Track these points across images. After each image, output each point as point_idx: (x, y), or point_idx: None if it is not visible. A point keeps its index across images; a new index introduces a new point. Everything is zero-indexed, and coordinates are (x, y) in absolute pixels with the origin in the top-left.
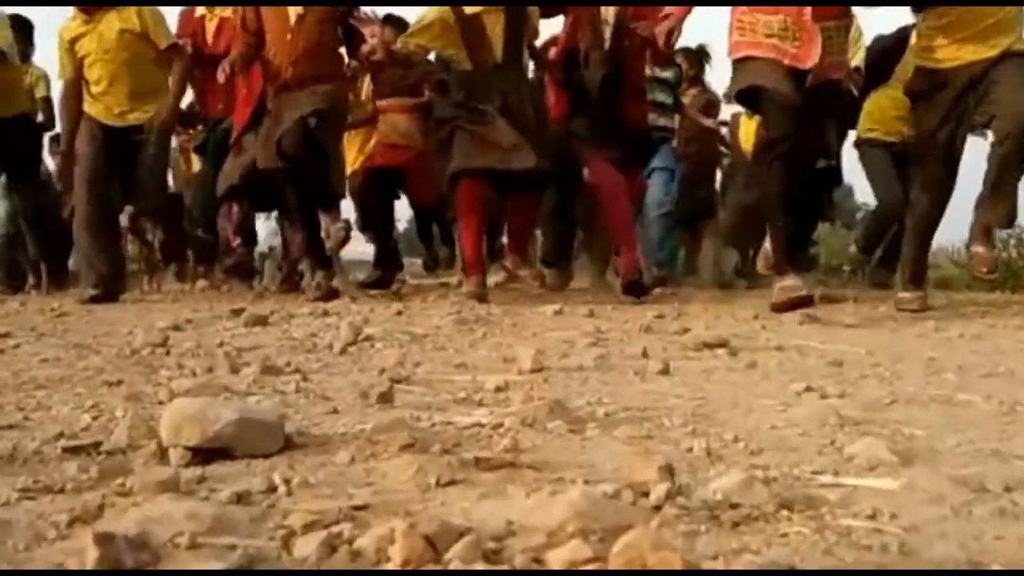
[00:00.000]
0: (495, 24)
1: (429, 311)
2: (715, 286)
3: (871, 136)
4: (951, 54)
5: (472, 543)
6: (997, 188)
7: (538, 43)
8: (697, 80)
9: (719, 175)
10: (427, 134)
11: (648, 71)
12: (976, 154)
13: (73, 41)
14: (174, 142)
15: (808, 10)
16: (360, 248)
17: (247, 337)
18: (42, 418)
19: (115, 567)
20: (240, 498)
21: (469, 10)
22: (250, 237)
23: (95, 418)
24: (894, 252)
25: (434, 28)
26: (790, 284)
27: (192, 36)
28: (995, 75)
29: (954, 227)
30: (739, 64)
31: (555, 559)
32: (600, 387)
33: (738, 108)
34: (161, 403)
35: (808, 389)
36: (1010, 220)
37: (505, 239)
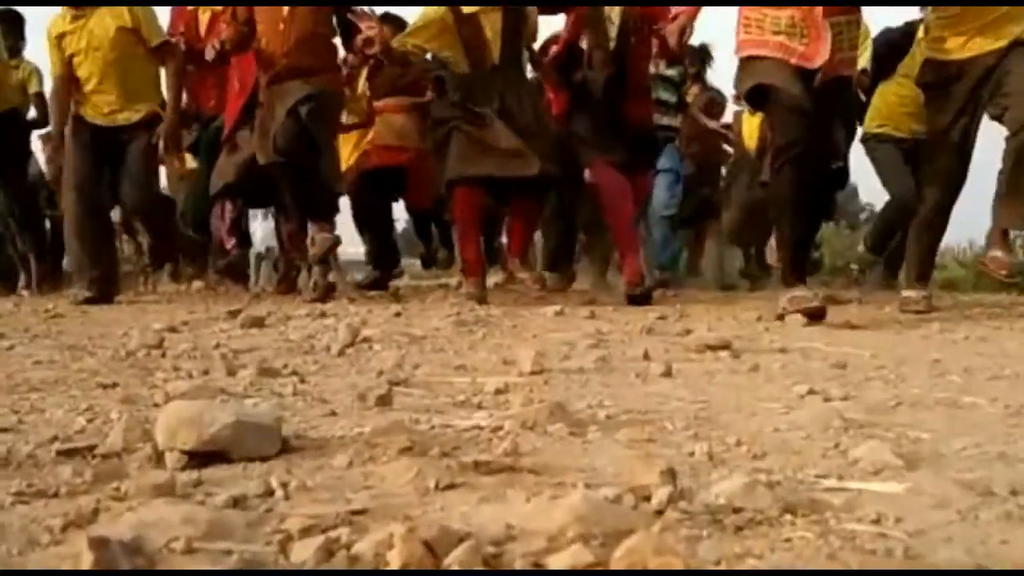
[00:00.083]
0: (493, 24)
1: (428, 312)
2: (718, 287)
3: (880, 131)
4: (962, 45)
5: (472, 548)
6: (1013, 184)
7: (538, 41)
8: (698, 78)
9: (722, 173)
10: (424, 134)
11: (652, 68)
12: (981, 152)
13: (60, 37)
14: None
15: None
16: (359, 250)
17: (243, 339)
18: (36, 421)
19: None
20: (236, 502)
21: (467, 9)
22: (244, 239)
23: (90, 421)
24: (897, 256)
25: (431, 29)
26: (800, 295)
27: (185, 30)
28: (1007, 65)
29: (960, 227)
30: (745, 63)
31: (556, 564)
32: (601, 389)
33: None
34: (157, 406)
35: (812, 392)
36: None
37: (504, 239)
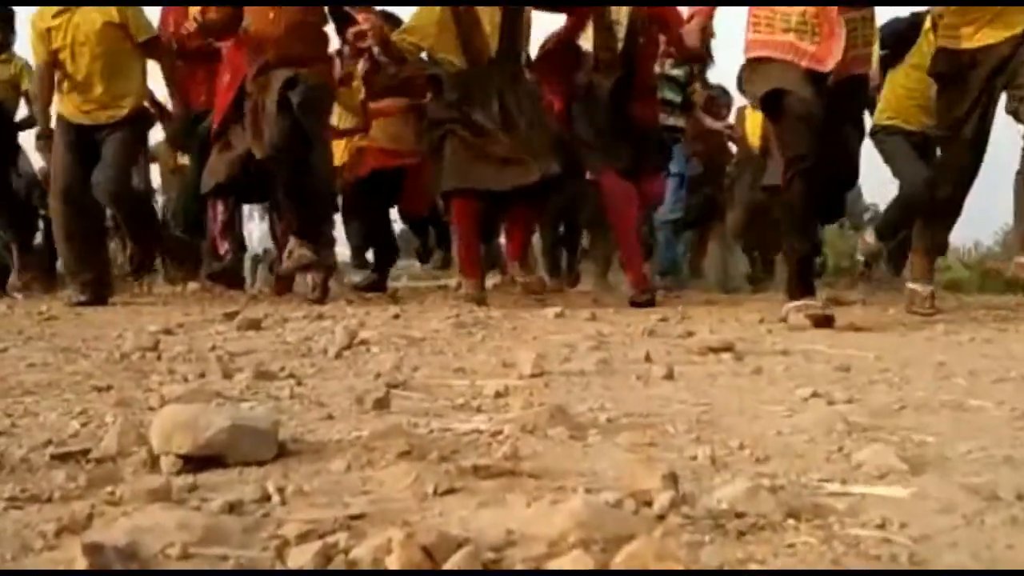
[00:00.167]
0: (492, 17)
1: (426, 314)
2: (720, 290)
3: (890, 123)
4: (974, 33)
5: (471, 553)
6: None
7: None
8: (699, 77)
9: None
10: (420, 136)
11: (658, 68)
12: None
13: (46, 31)
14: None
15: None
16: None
17: (240, 341)
18: (29, 424)
19: None
20: (233, 507)
21: None
22: (238, 242)
23: (84, 424)
24: (902, 252)
25: (428, 27)
26: (807, 303)
27: (176, 26)
28: (1022, 55)
29: (965, 227)
30: (752, 64)
31: (556, 569)
32: (602, 392)
33: (743, 102)
34: (152, 409)
35: (815, 395)
36: None
37: (504, 239)
